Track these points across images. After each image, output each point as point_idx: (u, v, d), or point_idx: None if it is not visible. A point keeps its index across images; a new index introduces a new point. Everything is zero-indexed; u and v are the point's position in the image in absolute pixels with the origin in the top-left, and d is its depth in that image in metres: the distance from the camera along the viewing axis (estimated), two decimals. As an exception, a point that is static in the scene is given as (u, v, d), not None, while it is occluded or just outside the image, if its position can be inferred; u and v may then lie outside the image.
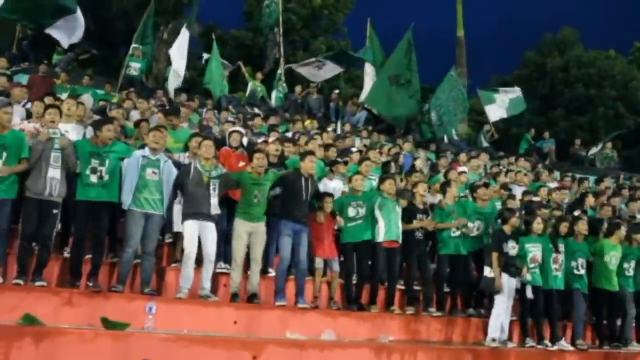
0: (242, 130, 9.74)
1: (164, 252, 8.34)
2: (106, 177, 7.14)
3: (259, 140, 10.23)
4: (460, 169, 12.27)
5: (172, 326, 6.67)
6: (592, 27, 40.13)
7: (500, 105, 19.63)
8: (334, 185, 9.06)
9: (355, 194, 8.59)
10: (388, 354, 7.43)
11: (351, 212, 8.41)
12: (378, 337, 7.95)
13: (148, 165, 7.32)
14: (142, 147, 7.78)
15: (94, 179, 7.10)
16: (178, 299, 7.20)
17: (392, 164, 11.03)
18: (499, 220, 8.91)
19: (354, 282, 8.49)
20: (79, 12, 13.95)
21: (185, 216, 7.45)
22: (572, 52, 30.90)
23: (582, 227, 9.42)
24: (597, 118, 29.34)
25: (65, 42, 14.30)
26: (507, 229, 8.67)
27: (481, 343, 8.49)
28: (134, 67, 15.63)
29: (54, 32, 13.84)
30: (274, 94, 18.28)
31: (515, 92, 20.30)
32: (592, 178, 16.70)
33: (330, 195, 8.45)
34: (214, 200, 7.49)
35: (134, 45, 15.77)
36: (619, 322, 9.71)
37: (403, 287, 8.95)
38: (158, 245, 7.84)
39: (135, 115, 10.42)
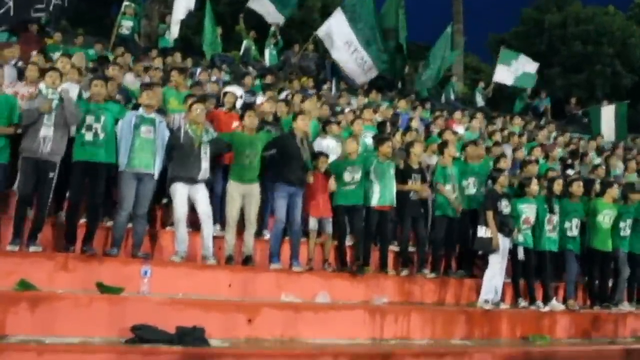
0: (237, 92, 9.64)
1: (157, 215, 8.32)
2: (102, 135, 7.07)
3: (254, 100, 10.18)
4: (456, 128, 12.26)
5: (167, 290, 6.69)
6: (592, -18, 39.54)
7: (512, 72, 19.30)
8: (327, 144, 8.99)
9: (350, 157, 8.53)
10: (382, 316, 7.51)
11: (347, 177, 8.36)
12: (372, 298, 8.03)
13: (143, 123, 7.25)
14: (136, 108, 7.70)
15: (89, 136, 7.03)
16: (172, 262, 7.24)
17: (388, 124, 10.95)
18: (490, 181, 8.90)
19: (348, 244, 8.51)
20: None
21: (173, 179, 7.41)
22: (570, 8, 30.48)
23: (576, 188, 9.43)
24: (594, 76, 29.11)
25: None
26: (498, 188, 8.68)
27: (474, 304, 8.58)
28: (126, 26, 15.33)
29: None
30: (267, 52, 18.02)
31: (533, 67, 19.91)
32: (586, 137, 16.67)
33: (325, 155, 8.41)
34: (205, 164, 7.45)
35: (125, 2, 15.43)
36: (610, 283, 9.83)
37: (397, 249, 8.99)
38: (152, 208, 7.84)
39: (129, 77, 10.23)
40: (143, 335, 5.78)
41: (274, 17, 17.83)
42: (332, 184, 8.20)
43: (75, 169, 7.10)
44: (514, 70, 19.32)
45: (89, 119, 7.07)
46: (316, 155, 8.29)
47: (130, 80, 9.99)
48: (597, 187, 10.01)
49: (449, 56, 18.51)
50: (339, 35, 14.95)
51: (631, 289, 9.93)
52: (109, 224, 7.58)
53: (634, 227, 9.82)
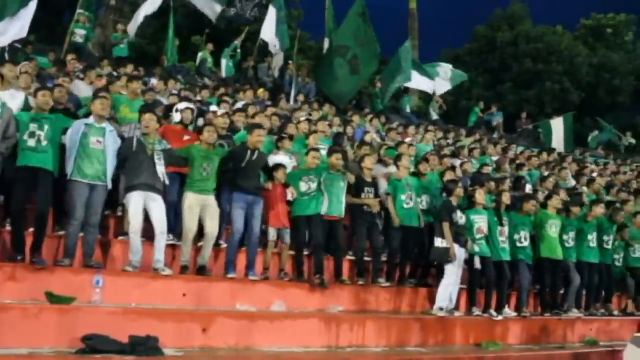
0: (193, 107, 9.59)
1: (110, 224, 8.19)
2: (44, 142, 6.89)
3: (209, 111, 10.12)
4: (408, 140, 12.44)
5: (120, 299, 6.58)
6: (541, 2, 40.85)
7: (443, 78, 19.80)
8: (279, 160, 9.00)
9: (306, 168, 8.56)
10: (337, 324, 7.52)
11: (303, 186, 8.40)
12: (328, 307, 8.05)
13: (91, 133, 7.07)
14: (86, 116, 7.58)
15: (31, 142, 6.83)
16: (125, 271, 7.10)
17: (344, 136, 11.05)
18: (444, 194, 9.06)
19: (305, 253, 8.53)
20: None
21: (129, 188, 7.30)
22: (521, 27, 31.41)
23: (530, 207, 9.67)
24: (543, 92, 30.00)
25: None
26: (453, 199, 8.83)
27: (428, 312, 8.68)
28: (80, 34, 15.12)
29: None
30: (223, 63, 18.01)
31: (449, 66, 20.49)
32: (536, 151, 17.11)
33: (284, 166, 8.44)
34: (160, 169, 7.34)
35: (79, 10, 15.23)
36: (561, 291, 10.08)
37: (352, 258, 9.05)
38: (104, 217, 7.70)
39: (80, 84, 10.06)
40: (94, 345, 5.64)
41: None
42: (291, 192, 8.19)
43: (18, 175, 6.88)
44: (444, 75, 19.82)
45: (33, 127, 6.88)
46: (275, 167, 8.31)
47: (82, 88, 9.81)
48: (540, 197, 10.30)
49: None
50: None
51: (579, 296, 10.18)
52: (60, 233, 7.40)
53: (577, 238, 10.11)
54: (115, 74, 11.93)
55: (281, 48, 18.13)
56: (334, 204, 8.52)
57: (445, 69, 19.89)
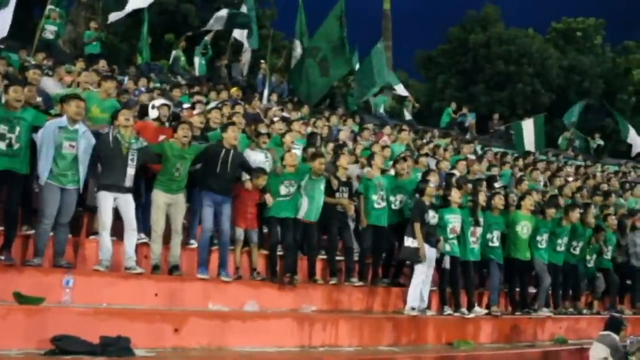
0: (170, 103, 9.52)
1: (82, 223, 8.07)
2: (16, 146, 6.76)
3: (183, 109, 10.04)
4: (383, 141, 12.49)
5: (91, 300, 6.52)
6: (513, 5, 41.37)
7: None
8: (254, 158, 8.95)
9: (288, 171, 8.52)
10: (310, 324, 7.54)
11: (283, 190, 8.37)
12: (301, 307, 8.05)
13: (65, 137, 6.95)
14: (59, 115, 7.45)
15: (2, 145, 6.70)
16: (96, 271, 7.02)
17: (318, 136, 11.06)
18: (417, 194, 9.12)
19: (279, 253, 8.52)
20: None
21: (100, 187, 7.23)
22: (493, 29, 31.71)
23: (498, 201, 9.78)
24: (515, 94, 30.36)
25: None
26: (425, 199, 8.89)
27: (401, 312, 8.72)
28: (50, 30, 14.89)
29: None
30: (196, 61, 17.90)
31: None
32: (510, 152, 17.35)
33: (264, 171, 8.34)
34: (131, 171, 7.29)
35: (49, 6, 14.97)
36: (530, 290, 10.21)
37: (325, 257, 9.06)
38: (76, 217, 7.60)
39: (48, 81, 9.89)
40: (64, 346, 5.59)
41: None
42: (269, 199, 8.16)
43: None
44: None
45: (3, 129, 6.74)
46: (256, 171, 8.22)
47: (51, 85, 9.65)
48: (514, 198, 10.43)
49: (391, 78, 19.01)
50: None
51: (549, 296, 10.32)
52: (30, 232, 7.27)
53: (550, 239, 10.24)
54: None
55: (250, 46, 18.10)
56: (312, 210, 8.54)
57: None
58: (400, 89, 20.48)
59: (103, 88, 9.00)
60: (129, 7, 15.18)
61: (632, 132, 22.36)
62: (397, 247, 9.28)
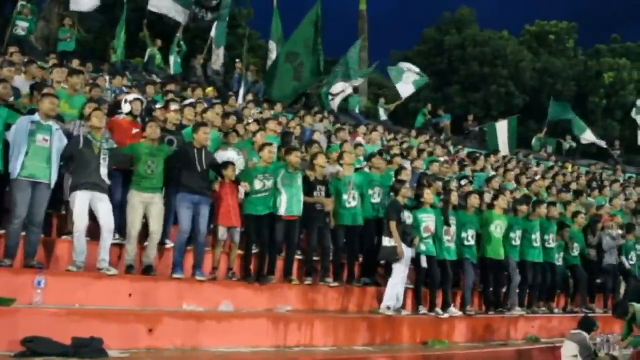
0: (143, 98, 9.42)
1: (53, 223, 7.97)
2: None
3: (156, 108, 9.94)
4: (357, 140, 12.53)
5: (63, 300, 6.43)
6: (488, 7, 41.83)
7: (408, 83, 20.08)
8: (228, 156, 8.91)
9: (262, 165, 8.52)
10: (285, 324, 7.52)
11: (257, 184, 8.32)
12: (276, 307, 8.03)
13: (38, 130, 6.90)
14: (31, 112, 7.36)
15: None
16: (69, 272, 6.93)
17: (292, 134, 11.05)
18: (392, 193, 9.16)
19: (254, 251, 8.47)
20: None
21: (74, 187, 7.14)
22: (468, 31, 32.02)
23: (474, 200, 9.87)
24: (489, 95, 30.68)
25: None
26: (400, 199, 8.94)
27: (376, 311, 8.75)
28: (22, 27, 14.68)
29: None
30: (171, 60, 17.76)
31: (416, 69, 20.84)
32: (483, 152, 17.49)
33: (232, 163, 8.34)
34: (104, 171, 7.23)
35: (21, 2, 14.78)
36: (504, 289, 10.32)
37: (301, 257, 9.05)
38: (48, 216, 7.49)
39: (17, 79, 9.71)
40: (35, 347, 5.50)
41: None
42: (244, 187, 8.12)
43: None
44: (406, 79, 20.12)
45: None
46: (223, 165, 8.21)
47: (20, 82, 9.48)
48: (488, 198, 10.54)
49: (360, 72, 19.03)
50: None
51: (522, 294, 10.45)
52: (1, 232, 7.15)
53: (523, 237, 10.38)
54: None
55: (215, 44, 18.01)
56: (293, 203, 8.44)
57: (408, 74, 20.12)
58: (405, 88, 20.29)
59: (70, 83, 8.91)
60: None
61: (588, 132, 22.89)
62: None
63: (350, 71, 17.85)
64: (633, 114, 24.88)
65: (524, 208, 10.44)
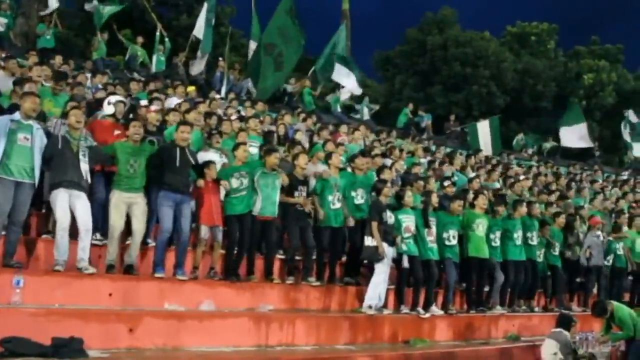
0: (126, 100, 9.36)
1: (33, 222, 7.88)
2: None
3: (141, 106, 9.90)
4: (340, 139, 12.55)
5: (43, 300, 6.36)
6: (470, 8, 42.12)
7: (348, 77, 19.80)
8: (209, 157, 8.87)
9: (238, 164, 8.51)
10: (267, 323, 7.50)
11: (235, 183, 8.31)
12: (258, 306, 8.01)
13: (19, 130, 6.82)
14: (10, 111, 7.27)
15: None
16: (48, 271, 6.86)
17: (274, 134, 11.03)
18: (374, 193, 9.18)
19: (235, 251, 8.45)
20: None
21: (54, 185, 7.07)
22: (450, 32, 32.20)
23: (457, 208, 9.92)
24: (471, 96, 30.89)
25: None
26: (382, 199, 8.96)
27: (358, 310, 8.77)
28: (0, 23, 14.49)
29: None
30: (154, 58, 17.65)
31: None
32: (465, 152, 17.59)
33: (213, 162, 8.33)
34: (85, 166, 7.17)
35: (-1, -4, 14.62)
36: (486, 289, 10.39)
37: (283, 257, 9.04)
38: (27, 216, 7.40)
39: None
40: (13, 348, 5.43)
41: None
42: (225, 184, 8.13)
43: None
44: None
45: None
46: (205, 164, 8.20)
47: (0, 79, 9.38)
48: (470, 198, 10.61)
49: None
50: None
51: (503, 293, 10.53)
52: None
53: (504, 236, 10.45)
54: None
55: (201, 50, 17.90)
56: (267, 205, 8.47)
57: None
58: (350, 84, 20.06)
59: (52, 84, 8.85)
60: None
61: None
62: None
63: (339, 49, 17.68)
64: (622, 127, 23.67)
65: (501, 209, 10.52)
